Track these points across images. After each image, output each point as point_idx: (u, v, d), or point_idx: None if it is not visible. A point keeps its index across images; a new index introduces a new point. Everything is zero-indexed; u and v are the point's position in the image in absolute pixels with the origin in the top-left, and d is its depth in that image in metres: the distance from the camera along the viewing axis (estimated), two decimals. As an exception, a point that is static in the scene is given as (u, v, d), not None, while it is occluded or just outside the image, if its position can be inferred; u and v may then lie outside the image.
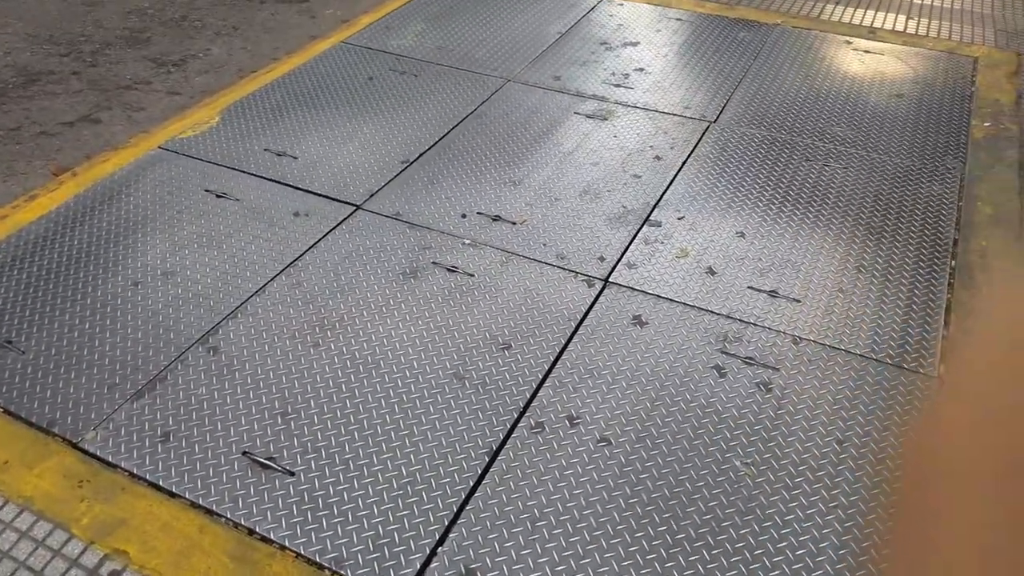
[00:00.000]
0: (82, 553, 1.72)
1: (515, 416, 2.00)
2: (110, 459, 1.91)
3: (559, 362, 2.15)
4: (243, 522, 1.76)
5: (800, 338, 2.22)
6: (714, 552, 1.69)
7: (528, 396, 2.05)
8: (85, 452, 1.93)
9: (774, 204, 2.77)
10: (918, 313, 2.31)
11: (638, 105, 3.39)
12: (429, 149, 3.08)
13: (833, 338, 2.23)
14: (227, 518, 1.78)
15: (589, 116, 3.30)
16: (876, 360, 2.15)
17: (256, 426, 1.97)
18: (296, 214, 2.72)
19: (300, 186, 2.87)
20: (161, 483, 1.85)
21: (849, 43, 3.94)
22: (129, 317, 2.30)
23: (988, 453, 0.32)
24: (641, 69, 3.69)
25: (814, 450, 1.91)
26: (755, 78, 3.63)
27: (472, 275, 2.45)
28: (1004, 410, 0.32)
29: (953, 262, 2.51)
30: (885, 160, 3.03)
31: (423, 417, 1.99)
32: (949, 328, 2.26)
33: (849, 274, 2.46)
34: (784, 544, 1.70)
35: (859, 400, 2.03)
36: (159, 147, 3.08)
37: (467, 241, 2.60)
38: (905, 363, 2.15)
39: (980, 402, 0.34)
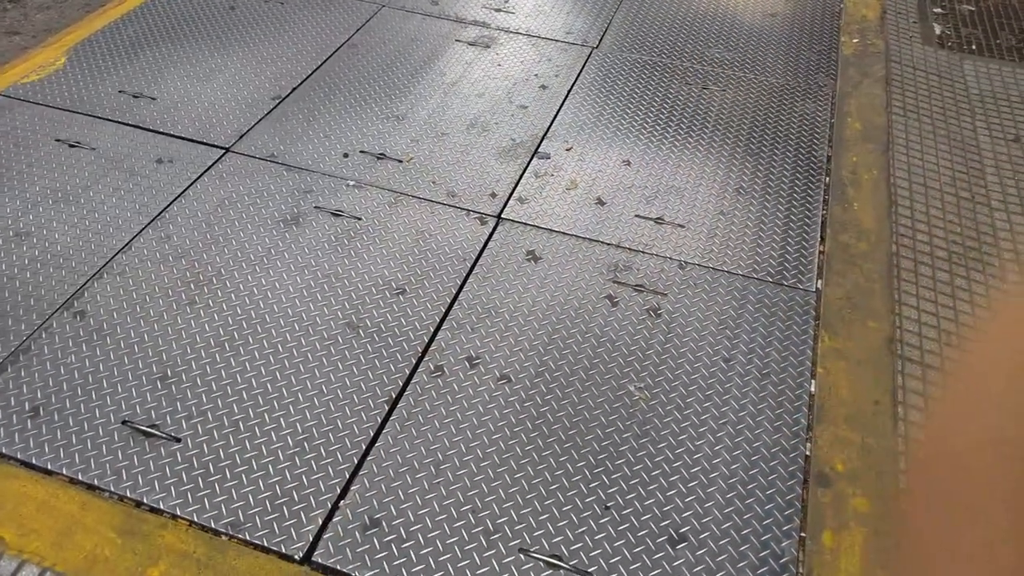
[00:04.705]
0: (-50, 545, 1.59)
1: (414, 362, 1.96)
2: (-28, 442, 1.75)
3: (456, 303, 2.12)
4: (129, 495, 1.67)
5: (685, 263, 2.27)
6: (614, 476, 1.74)
7: (426, 340, 2.02)
8: (-58, 437, 1.77)
9: (657, 130, 2.79)
10: (795, 231, 2.40)
11: (520, 31, 3.30)
12: (302, 83, 2.90)
13: (716, 260, 2.29)
14: (111, 492, 1.68)
15: (471, 44, 3.19)
16: (757, 279, 2.23)
17: (134, 393, 1.85)
18: (159, 161, 2.52)
19: (162, 130, 2.65)
20: (34, 461, 1.72)
21: (725, -38, 3.95)
22: (-21, 285, 2.09)
23: None
24: (521, -7, 3.58)
25: (702, 370, 1.97)
26: (634, 0, 3.59)
27: (359, 218, 2.36)
28: None
29: (827, 179, 2.62)
30: (761, 80, 3.09)
31: (316, 370, 1.93)
32: (825, 243, 2.37)
33: (730, 196, 2.52)
34: (679, 463, 1.77)
35: (743, 319, 2.11)
36: (0, 94, 2.77)
37: (351, 182, 2.49)
38: (785, 280, 2.24)
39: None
